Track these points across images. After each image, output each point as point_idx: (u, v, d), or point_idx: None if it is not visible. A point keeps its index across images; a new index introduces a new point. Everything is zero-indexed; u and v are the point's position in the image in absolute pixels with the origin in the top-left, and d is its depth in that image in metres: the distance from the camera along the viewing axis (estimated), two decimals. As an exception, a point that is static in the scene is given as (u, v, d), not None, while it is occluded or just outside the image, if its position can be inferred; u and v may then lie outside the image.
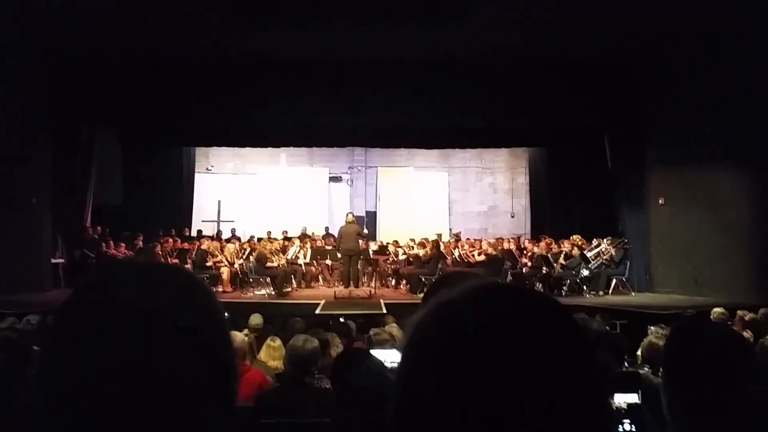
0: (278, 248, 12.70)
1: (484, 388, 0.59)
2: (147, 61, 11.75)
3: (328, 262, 13.33)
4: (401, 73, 11.85)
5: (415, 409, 0.63)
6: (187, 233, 15.15)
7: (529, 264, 12.25)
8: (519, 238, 14.98)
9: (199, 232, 15.47)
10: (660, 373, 1.90)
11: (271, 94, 11.91)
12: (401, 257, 13.19)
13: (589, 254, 11.72)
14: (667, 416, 1.42)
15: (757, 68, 9.48)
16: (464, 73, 11.83)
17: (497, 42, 10.97)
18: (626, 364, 4.22)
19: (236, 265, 12.10)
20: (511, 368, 0.60)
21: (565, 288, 11.47)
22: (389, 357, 3.36)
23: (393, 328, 5.62)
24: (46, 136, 11.38)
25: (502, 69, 12.00)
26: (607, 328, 6.74)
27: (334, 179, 18.55)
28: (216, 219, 17.32)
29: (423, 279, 11.36)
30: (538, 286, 11.19)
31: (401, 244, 13.86)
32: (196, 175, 17.03)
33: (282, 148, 16.90)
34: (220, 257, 12.17)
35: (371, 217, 17.90)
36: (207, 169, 17.89)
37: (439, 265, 11.47)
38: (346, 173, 18.67)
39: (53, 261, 11.72)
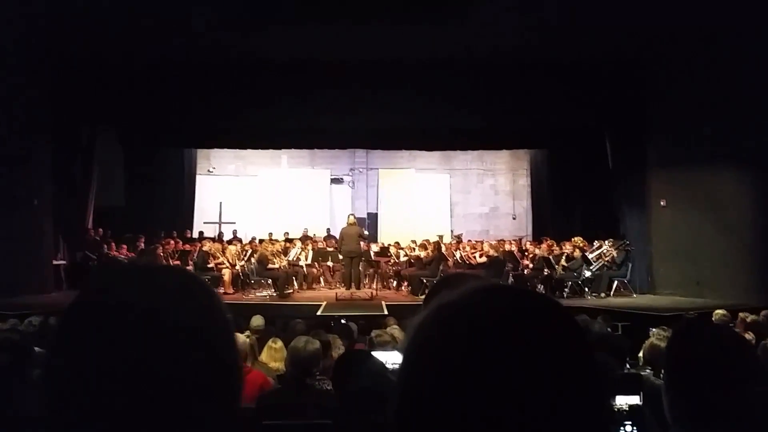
0: (280, 250, 12.69)
1: (484, 389, 0.59)
2: (148, 62, 11.76)
3: (330, 263, 13.33)
4: (402, 75, 11.86)
5: (416, 410, 0.63)
6: (189, 235, 15.15)
7: (531, 266, 12.25)
8: (520, 239, 14.98)
9: (201, 233, 15.48)
10: (662, 375, 1.90)
11: (272, 95, 11.92)
12: (402, 259, 13.20)
13: (590, 256, 11.70)
14: (668, 418, 1.42)
15: (757, 68, 9.47)
16: (465, 74, 11.83)
17: (498, 43, 10.98)
18: (628, 365, 4.22)
19: (238, 267, 12.10)
20: (512, 369, 0.60)
21: (566, 290, 11.46)
22: (390, 358, 3.36)
23: (394, 329, 5.62)
24: (46, 137, 11.38)
25: (503, 70, 12.01)
26: (609, 329, 6.75)
27: (336, 181, 18.55)
28: (217, 221, 17.34)
29: (424, 281, 11.35)
30: (540, 287, 11.18)
31: (402, 245, 13.87)
32: (198, 177, 17.04)
33: (283, 150, 16.93)
34: (221, 259, 12.18)
35: (372, 218, 17.91)
36: (208, 170, 17.91)
37: (441, 267, 11.47)
38: (348, 175, 18.68)
39: (55, 262, 11.72)
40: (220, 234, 15.77)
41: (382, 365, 2.95)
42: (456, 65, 11.76)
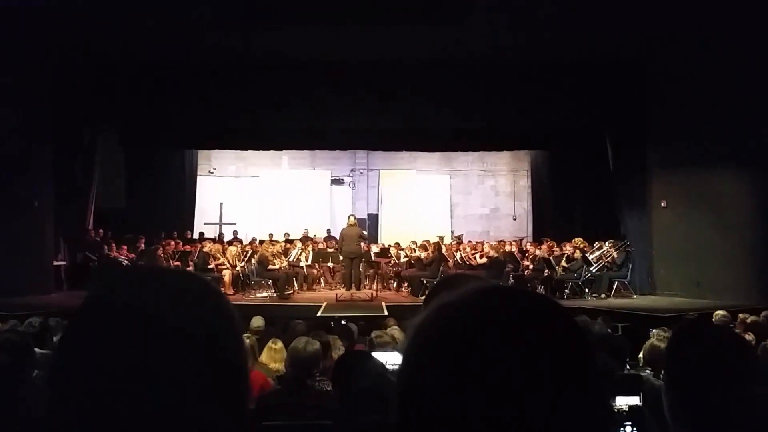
0: (280, 251, 12.69)
1: (484, 390, 0.59)
2: (149, 64, 11.78)
3: (330, 264, 13.32)
4: (403, 76, 11.87)
5: (416, 410, 0.63)
6: (189, 236, 15.15)
7: (531, 266, 12.24)
8: (521, 240, 14.98)
9: (201, 234, 15.48)
10: (662, 376, 1.90)
11: (273, 96, 11.92)
12: (403, 260, 13.20)
13: (590, 257, 11.70)
14: (668, 419, 1.42)
15: (757, 68, 9.48)
16: (466, 76, 11.84)
17: (498, 44, 10.99)
18: (628, 366, 4.22)
19: (238, 268, 12.10)
20: (512, 370, 0.60)
21: (566, 290, 11.46)
22: (390, 359, 3.37)
23: (394, 330, 5.63)
24: (47, 138, 11.38)
25: (504, 71, 12.01)
26: (609, 330, 6.75)
27: (336, 182, 18.55)
28: (218, 221, 17.35)
29: (425, 281, 11.35)
30: (540, 288, 11.18)
31: (403, 246, 13.87)
32: (198, 178, 17.04)
33: (284, 151, 16.94)
34: (222, 260, 12.18)
35: (373, 219, 17.92)
36: (209, 171, 17.91)
37: (441, 268, 11.47)
38: (348, 176, 18.67)
39: (55, 263, 11.72)
40: (221, 235, 15.77)
41: (382, 366, 2.95)
42: (456, 66, 11.77)
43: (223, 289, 11.37)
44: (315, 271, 13.30)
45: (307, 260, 13.02)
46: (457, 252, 13.04)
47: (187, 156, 16.49)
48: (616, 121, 12.35)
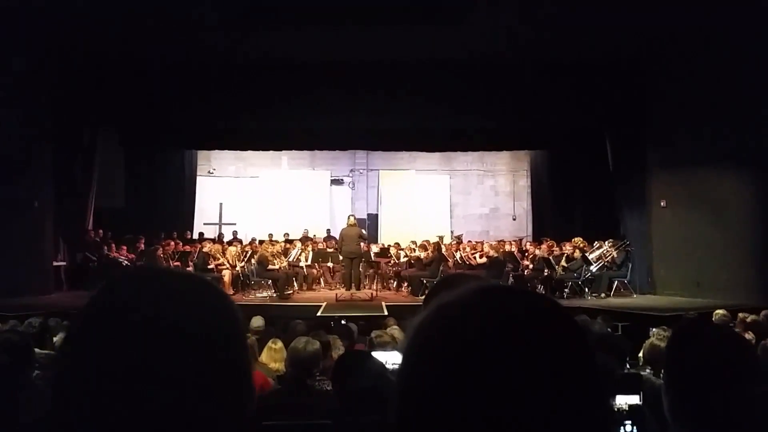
0: (280, 251, 12.70)
1: (484, 389, 0.59)
2: (149, 64, 11.77)
3: (330, 264, 13.32)
4: (402, 76, 11.87)
5: (416, 410, 0.63)
6: (189, 236, 15.16)
7: (531, 266, 12.25)
8: (520, 240, 14.98)
9: (201, 234, 15.48)
10: (661, 375, 1.90)
11: (272, 96, 11.92)
12: (403, 260, 13.20)
13: (590, 256, 11.70)
14: (668, 418, 1.42)
15: (757, 68, 9.48)
16: (465, 76, 11.83)
17: (498, 44, 10.99)
18: (628, 365, 4.22)
19: (238, 268, 12.10)
20: (512, 370, 0.60)
21: (566, 290, 11.46)
22: (390, 359, 3.37)
23: (394, 330, 5.63)
24: (47, 138, 11.37)
25: (503, 71, 12.00)
26: (609, 330, 6.74)
27: (336, 182, 18.55)
28: (218, 222, 17.35)
29: (424, 281, 11.36)
30: (540, 288, 11.19)
31: (403, 246, 13.87)
32: (198, 178, 17.04)
33: (284, 151, 16.94)
34: (221, 260, 12.18)
35: (373, 219, 17.92)
36: (209, 172, 17.90)
37: (441, 268, 11.47)
38: (348, 176, 18.67)
39: (55, 263, 11.72)
40: (221, 235, 15.77)
41: (381, 366, 2.95)
42: (456, 66, 11.77)
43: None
44: (315, 271, 13.30)
45: (306, 260, 13.02)
46: (456, 252, 13.05)
47: (187, 156, 16.49)
48: (615, 120, 12.35)
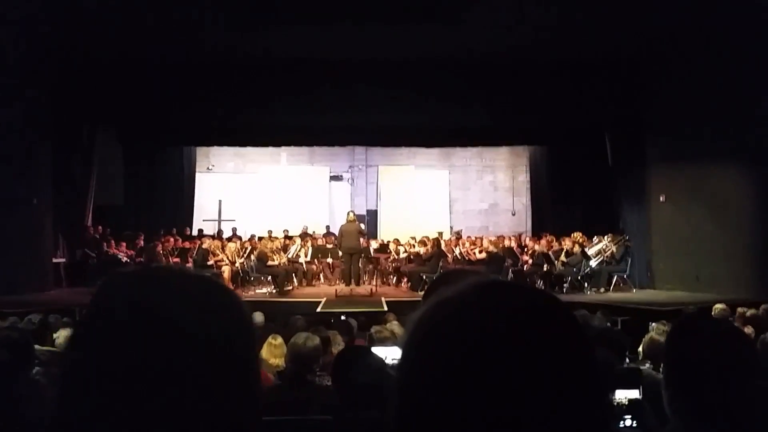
0: (279, 247, 12.70)
1: (483, 386, 0.59)
2: (147, 61, 11.74)
3: (329, 260, 13.33)
4: (402, 72, 11.85)
5: (415, 406, 0.63)
6: (188, 232, 15.15)
7: (530, 261, 12.26)
8: (520, 235, 14.97)
9: (200, 231, 15.48)
10: (661, 369, 1.90)
11: (271, 93, 11.90)
12: (402, 255, 13.20)
13: (590, 251, 11.71)
14: (668, 412, 1.42)
15: (757, 64, 9.47)
16: (465, 72, 11.81)
17: (498, 41, 10.96)
18: (628, 360, 4.23)
19: (237, 264, 12.10)
20: (511, 366, 0.60)
21: (566, 285, 11.47)
22: (390, 354, 3.37)
23: (394, 325, 5.63)
24: (46, 135, 11.37)
25: (503, 68, 11.99)
26: (609, 324, 6.75)
27: (335, 178, 18.53)
28: (217, 218, 17.33)
29: (424, 277, 11.35)
30: (539, 283, 11.19)
31: (402, 242, 13.87)
32: (197, 175, 17.01)
33: (282, 148, 16.89)
34: (221, 256, 12.17)
35: (372, 215, 17.90)
36: (208, 168, 17.88)
37: (440, 263, 11.47)
38: (347, 172, 18.66)
39: (54, 260, 11.73)
40: (220, 231, 15.75)
41: (381, 361, 2.95)
42: (455, 63, 11.75)
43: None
44: (314, 267, 13.30)
45: (306, 256, 13.02)
46: (456, 247, 13.05)
47: (186, 152, 16.46)
48: (615, 116, 12.34)
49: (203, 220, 16.57)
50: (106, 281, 0.76)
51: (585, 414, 0.62)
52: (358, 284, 11.80)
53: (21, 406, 2.52)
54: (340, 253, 12.12)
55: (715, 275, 10.35)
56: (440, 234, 14.13)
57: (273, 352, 4.93)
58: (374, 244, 13.62)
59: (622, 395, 2.75)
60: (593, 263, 11.52)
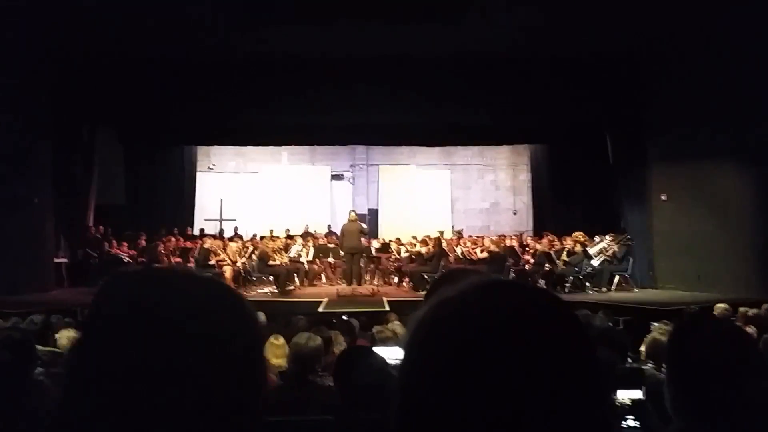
0: (281, 246, 12.69)
1: (485, 386, 0.59)
2: (148, 61, 11.74)
3: (331, 260, 13.33)
4: (402, 72, 11.84)
5: (417, 405, 0.63)
6: (190, 232, 15.17)
7: (532, 261, 12.25)
8: (521, 235, 14.97)
9: (202, 230, 15.49)
10: (663, 369, 1.90)
11: (272, 92, 11.90)
12: (404, 255, 13.19)
13: (591, 251, 11.70)
14: (670, 411, 1.42)
15: (757, 63, 9.46)
16: (466, 71, 11.81)
17: (499, 40, 10.96)
18: (630, 360, 4.22)
19: (239, 264, 12.10)
20: (512, 366, 0.60)
21: (567, 285, 11.46)
22: (392, 354, 3.37)
23: (396, 325, 5.63)
24: (47, 135, 11.37)
25: (504, 67, 11.98)
26: (610, 324, 6.75)
27: (336, 177, 18.54)
28: (218, 218, 17.35)
29: (425, 276, 11.35)
30: (541, 282, 11.16)
31: (403, 241, 13.87)
32: (198, 174, 17.03)
33: (283, 147, 16.91)
34: (222, 256, 12.17)
35: (373, 215, 17.90)
36: (209, 168, 17.90)
37: (442, 263, 11.46)
38: (348, 171, 18.67)
39: (56, 260, 11.74)
40: (221, 231, 15.77)
41: (383, 361, 2.95)
42: (456, 62, 11.74)
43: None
44: (316, 266, 13.30)
45: (308, 256, 13.02)
46: (457, 247, 13.05)
47: (187, 152, 16.48)
48: (615, 114, 12.34)
49: (204, 220, 16.59)
50: (108, 282, 0.75)
51: (586, 414, 0.61)
52: (359, 284, 11.80)
53: (23, 407, 2.53)
54: (342, 253, 12.12)
55: (717, 275, 10.34)
56: (441, 233, 14.11)
57: (275, 352, 4.93)
58: (375, 244, 13.63)
59: (624, 395, 2.74)
60: (595, 262, 11.51)
